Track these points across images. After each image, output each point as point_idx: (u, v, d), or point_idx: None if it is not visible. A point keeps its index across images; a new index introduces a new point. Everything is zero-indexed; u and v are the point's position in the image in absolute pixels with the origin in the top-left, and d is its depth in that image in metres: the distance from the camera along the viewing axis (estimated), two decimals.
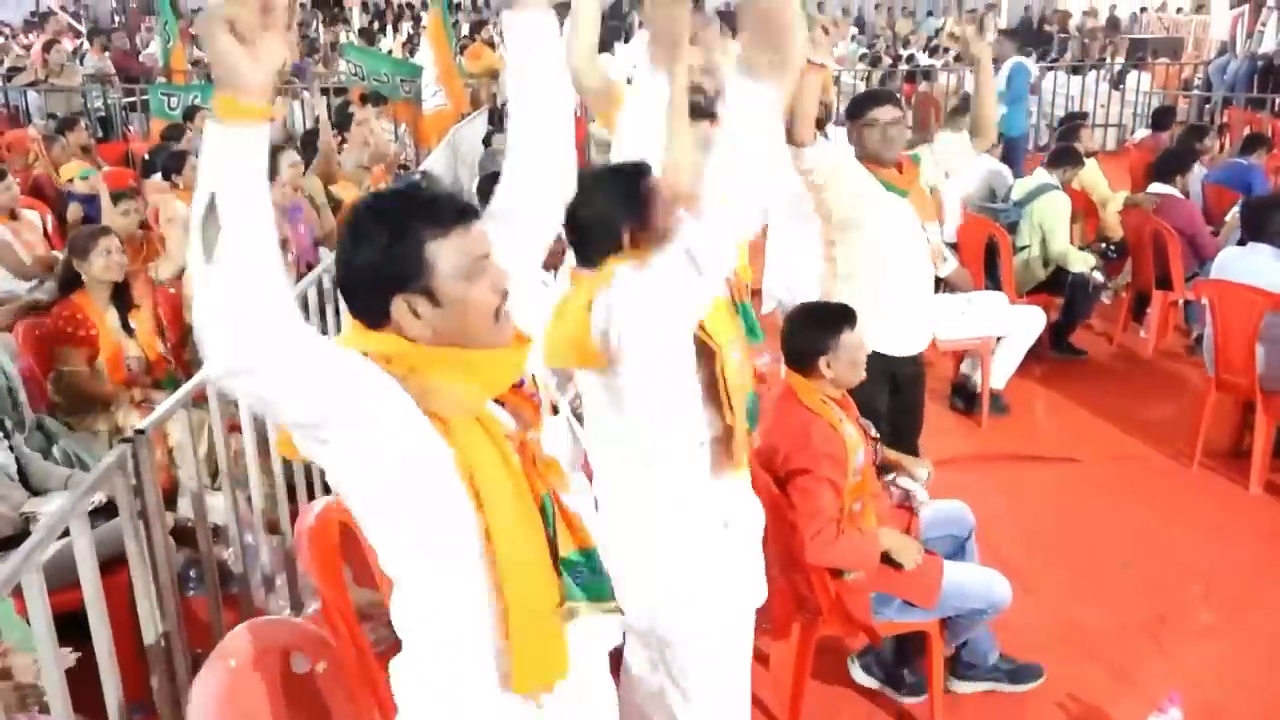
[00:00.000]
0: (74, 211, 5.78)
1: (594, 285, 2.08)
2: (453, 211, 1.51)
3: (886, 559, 2.74)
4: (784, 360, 2.83)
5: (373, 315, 1.52)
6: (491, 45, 12.40)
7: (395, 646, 1.71)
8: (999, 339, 4.99)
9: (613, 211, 2.11)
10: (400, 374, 1.46)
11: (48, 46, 10.19)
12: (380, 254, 1.48)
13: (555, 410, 1.78)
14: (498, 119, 8.66)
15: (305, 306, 3.62)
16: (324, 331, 3.78)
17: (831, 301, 3.06)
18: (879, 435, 2.93)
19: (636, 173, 2.18)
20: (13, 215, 5.19)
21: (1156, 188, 5.87)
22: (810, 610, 2.85)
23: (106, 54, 11.55)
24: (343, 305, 1.61)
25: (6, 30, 18.51)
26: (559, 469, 1.66)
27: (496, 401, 1.60)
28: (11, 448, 3.24)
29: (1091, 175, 6.42)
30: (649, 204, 2.12)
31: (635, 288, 2.00)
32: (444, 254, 1.48)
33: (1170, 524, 4.09)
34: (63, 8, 20.95)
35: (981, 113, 3.55)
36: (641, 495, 2.22)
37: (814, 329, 2.77)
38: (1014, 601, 2.86)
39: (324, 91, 9.35)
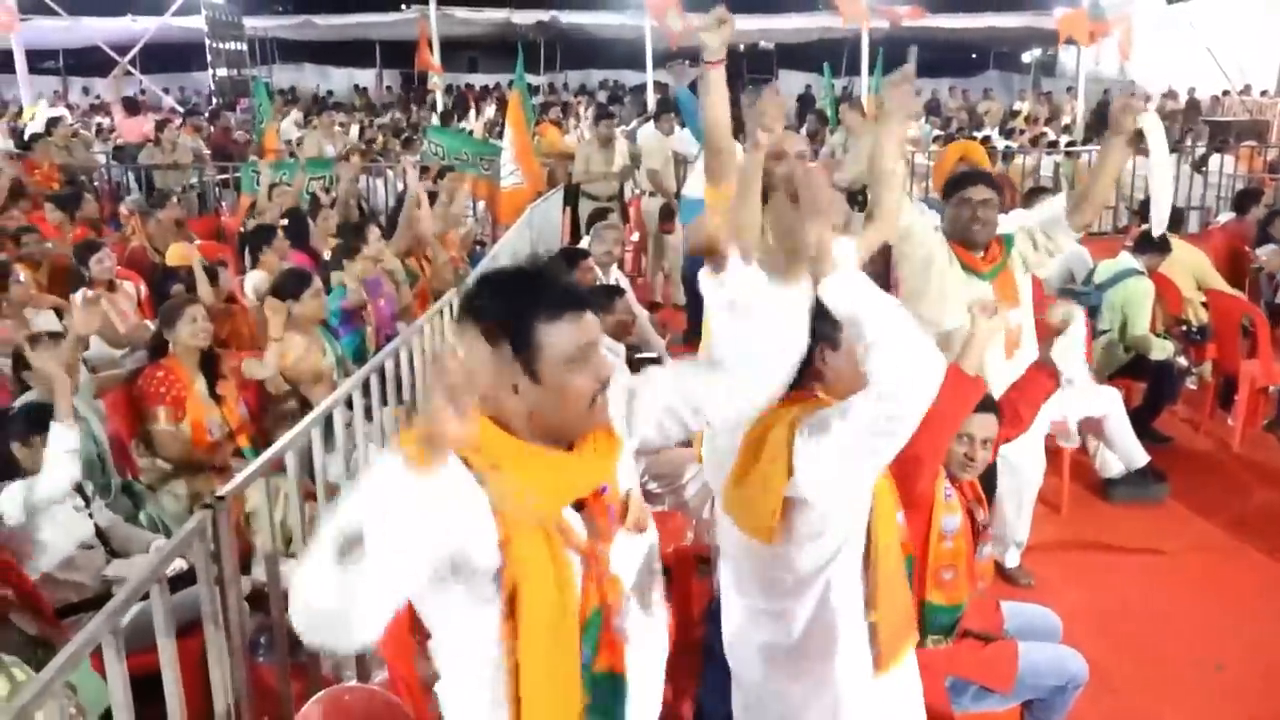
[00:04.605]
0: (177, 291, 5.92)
1: (798, 418, 1.95)
2: (569, 298, 1.55)
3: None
4: None
5: None
6: (558, 125, 12.58)
7: None
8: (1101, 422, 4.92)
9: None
10: (483, 470, 1.48)
11: (161, 126, 10.65)
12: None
13: (641, 529, 1.68)
14: (573, 197, 8.86)
15: (382, 377, 3.68)
16: (399, 400, 3.83)
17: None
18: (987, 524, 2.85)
19: None
20: (110, 286, 5.44)
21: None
22: None
23: (200, 134, 12.07)
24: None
25: (112, 112, 19.48)
26: (620, 588, 1.63)
27: (576, 505, 1.59)
28: (90, 515, 3.32)
29: (1194, 258, 6.28)
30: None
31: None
32: (554, 337, 1.52)
33: (1263, 623, 3.90)
34: (165, 90, 22.08)
35: (1099, 190, 3.50)
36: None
37: None
38: (1095, 703, 2.75)
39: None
